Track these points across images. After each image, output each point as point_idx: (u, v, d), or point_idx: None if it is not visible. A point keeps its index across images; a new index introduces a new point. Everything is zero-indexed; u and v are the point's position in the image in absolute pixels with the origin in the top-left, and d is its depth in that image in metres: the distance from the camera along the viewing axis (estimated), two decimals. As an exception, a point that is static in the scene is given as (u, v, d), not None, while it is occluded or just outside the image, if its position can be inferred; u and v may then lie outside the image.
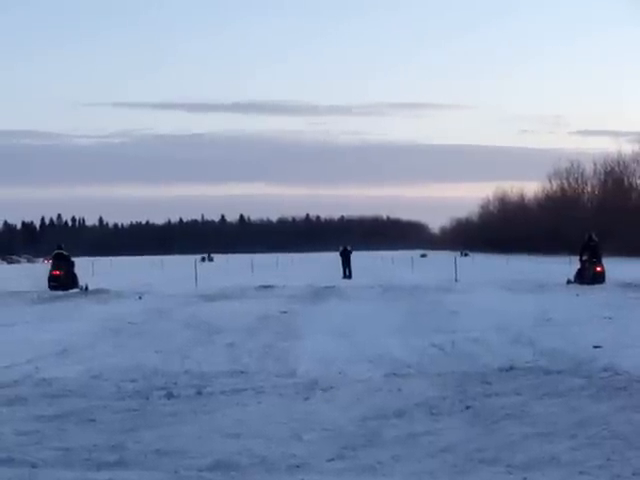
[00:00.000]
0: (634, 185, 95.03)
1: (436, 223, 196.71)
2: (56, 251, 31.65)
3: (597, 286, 27.12)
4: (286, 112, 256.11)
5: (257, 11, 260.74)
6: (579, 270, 28.65)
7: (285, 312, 20.16)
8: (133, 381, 10.37)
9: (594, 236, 29.31)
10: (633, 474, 6.05)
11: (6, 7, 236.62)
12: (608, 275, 29.15)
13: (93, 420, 8.19)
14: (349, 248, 42.45)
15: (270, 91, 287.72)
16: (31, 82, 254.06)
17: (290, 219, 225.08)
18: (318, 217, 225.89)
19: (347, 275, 40.60)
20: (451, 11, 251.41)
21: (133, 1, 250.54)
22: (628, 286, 26.59)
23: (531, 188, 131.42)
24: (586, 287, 26.43)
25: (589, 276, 27.88)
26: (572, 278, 28.47)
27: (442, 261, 63.60)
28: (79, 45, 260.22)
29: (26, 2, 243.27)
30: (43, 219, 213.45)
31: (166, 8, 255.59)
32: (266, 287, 31.15)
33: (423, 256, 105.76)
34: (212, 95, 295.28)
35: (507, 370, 10.73)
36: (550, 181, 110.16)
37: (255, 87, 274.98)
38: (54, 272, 30.53)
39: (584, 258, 28.63)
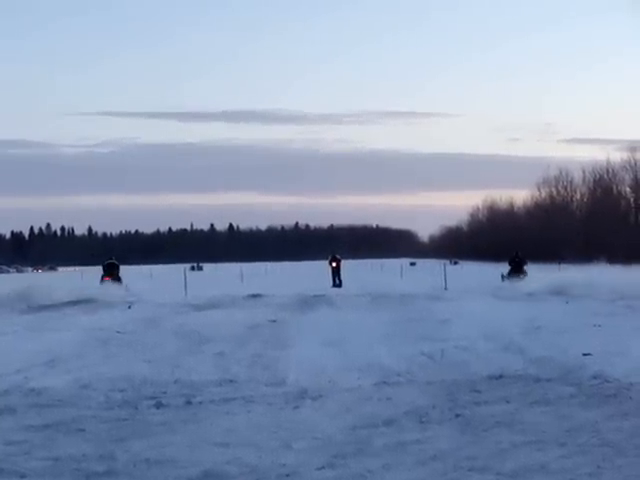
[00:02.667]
0: (623, 193, 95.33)
1: (425, 231, 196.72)
2: (109, 261, 39.45)
3: (586, 295, 27.29)
4: (276, 121, 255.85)
5: (245, 20, 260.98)
6: (509, 271, 39.63)
7: (274, 321, 20.13)
8: (122, 391, 10.34)
9: (519, 254, 40.47)
10: (623, 482, 6.06)
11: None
12: (592, 283, 29.45)
13: (82, 430, 8.17)
14: (338, 257, 42.42)
15: (260, 100, 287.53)
16: (18, 91, 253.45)
17: (279, 228, 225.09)
18: (307, 226, 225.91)
19: (337, 284, 40.58)
20: (441, 21, 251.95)
21: (120, 10, 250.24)
22: (615, 294, 26.62)
23: (520, 196, 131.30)
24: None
25: (516, 275, 38.34)
26: (506, 277, 39.31)
27: (431, 269, 63.70)
28: (67, 54, 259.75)
29: (13, 11, 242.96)
30: (32, 229, 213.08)
31: (153, 17, 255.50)
32: (255, 296, 31.09)
33: (412, 264, 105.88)
34: (201, 104, 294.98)
35: (497, 378, 10.74)
36: (539, 189, 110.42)
37: (244, 96, 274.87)
38: (105, 277, 38.02)
39: (512, 265, 39.89)
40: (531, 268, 40.62)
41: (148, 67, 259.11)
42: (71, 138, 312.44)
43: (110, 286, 35.76)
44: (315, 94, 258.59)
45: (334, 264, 42.29)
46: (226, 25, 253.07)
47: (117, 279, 38.04)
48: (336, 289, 38.01)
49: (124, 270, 42.24)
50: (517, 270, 38.70)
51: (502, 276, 39.51)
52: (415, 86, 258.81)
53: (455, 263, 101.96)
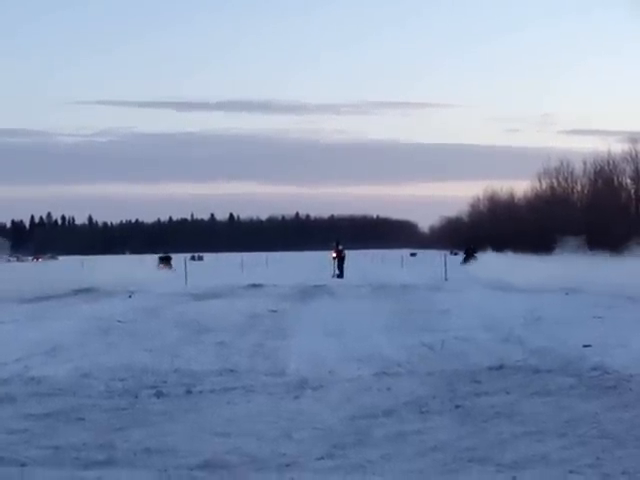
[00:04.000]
0: (624, 184, 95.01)
1: (426, 222, 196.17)
2: (164, 254, 60.52)
3: (587, 288, 27.36)
4: (275, 111, 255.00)
5: (245, 10, 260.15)
6: (464, 258, 53.77)
7: (275, 311, 20.15)
8: (122, 380, 10.35)
9: (472, 246, 55.30)
10: (623, 473, 6.06)
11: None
12: (599, 277, 29.48)
13: (82, 419, 8.17)
14: (340, 247, 42.20)
15: (259, 89, 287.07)
16: (16, 80, 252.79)
17: (280, 218, 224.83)
18: (308, 216, 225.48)
19: (338, 274, 40.45)
20: (437, 10, 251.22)
21: (119, 1, 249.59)
22: (616, 286, 26.58)
23: (521, 187, 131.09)
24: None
25: (468, 261, 50.07)
26: (462, 262, 52.07)
27: (432, 260, 63.71)
28: (65, 44, 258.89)
29: (11, 3, 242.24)
30: (32, 218, 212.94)
31: (151, 6, 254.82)
32: (256, 286, 31.14)
33: (413, 255, 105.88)
34: (200, 93, 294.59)
35: (497, 369, 10.74)
36: (540, 180, 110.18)
37: (244, 86, 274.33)
38: (161, 265, 54.70)
39: (466, 253, 54.40)
40: (531, 259, 40.65)
41: (147, 57, 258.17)
42: (70, 127, 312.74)
43: (165, 271, 50.29)
44: (314, 84, 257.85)
45: (334, 255, 42.10)
46: (225, 14, 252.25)
47: (169, 266, 54.94)
48: (336, 279, 37.96)
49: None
50: (470, 257, 51.84)
51: (461, 263, 52.10)
52: (414, 76, 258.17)
53: (455, 254, 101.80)
